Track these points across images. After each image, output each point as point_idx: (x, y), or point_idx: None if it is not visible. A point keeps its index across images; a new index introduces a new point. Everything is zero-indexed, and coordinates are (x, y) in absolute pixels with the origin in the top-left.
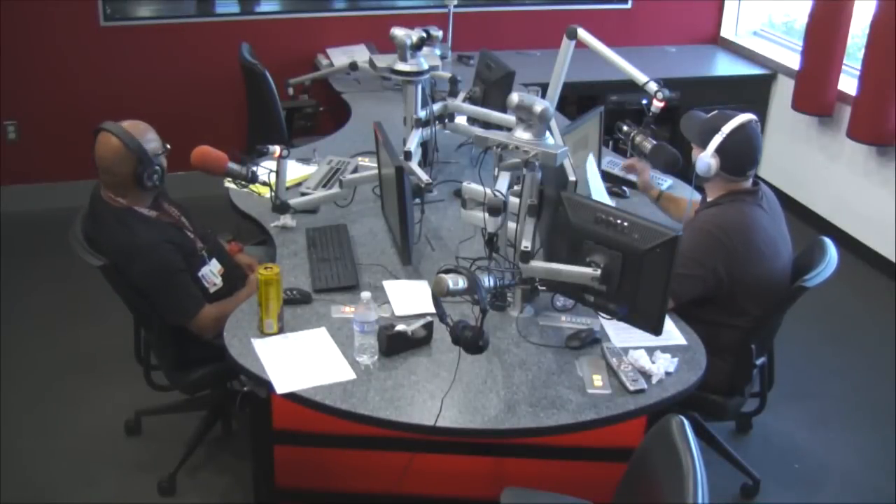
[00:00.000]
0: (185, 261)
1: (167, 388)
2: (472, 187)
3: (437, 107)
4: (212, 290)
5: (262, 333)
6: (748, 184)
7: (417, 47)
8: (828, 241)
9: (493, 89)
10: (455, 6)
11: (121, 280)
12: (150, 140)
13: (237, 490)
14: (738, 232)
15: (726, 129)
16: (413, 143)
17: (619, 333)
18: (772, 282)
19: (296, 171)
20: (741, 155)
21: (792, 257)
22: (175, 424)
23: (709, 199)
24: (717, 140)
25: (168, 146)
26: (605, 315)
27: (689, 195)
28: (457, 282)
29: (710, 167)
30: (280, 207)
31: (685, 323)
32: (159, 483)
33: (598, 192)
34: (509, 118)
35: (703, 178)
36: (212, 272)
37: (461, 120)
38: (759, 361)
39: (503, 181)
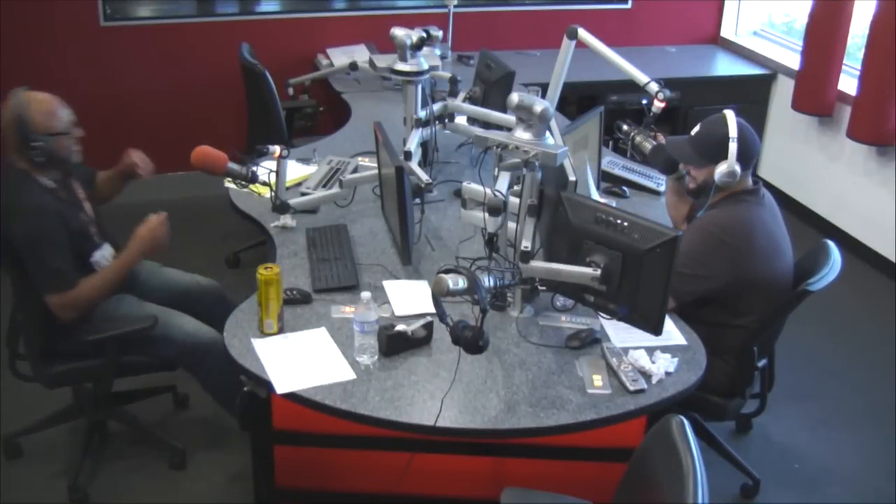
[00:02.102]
0: (71, 239)
1: (30, 379)
2: (472, 187)
3: (437, 107)
4: None
5: (262, 333)
6: (749, 182)
7: (417, 47)
8: (831, 245)
9: (493, 89)
10: (455, 6)
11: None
12: (48, 119)
13: (237, 490)
14: (739, 231)
15: (733, 132)
16: (413, 143)
17: (619, 333)
18: (775, 281)
19: (296, 171)
20: (748, 146)
21: (793, 258)
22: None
23: (710, 201)
24: (734, 147)
25: (75, 132)
26: (605, 315)
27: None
28: (457, 282)
29: (737, 175)
30: (280, 207)
31: (687, 323)
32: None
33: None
34: (509, 118)
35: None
36: (104, 257)
37: (461, 120)
38: (761, 364)
39: (503, 181)
